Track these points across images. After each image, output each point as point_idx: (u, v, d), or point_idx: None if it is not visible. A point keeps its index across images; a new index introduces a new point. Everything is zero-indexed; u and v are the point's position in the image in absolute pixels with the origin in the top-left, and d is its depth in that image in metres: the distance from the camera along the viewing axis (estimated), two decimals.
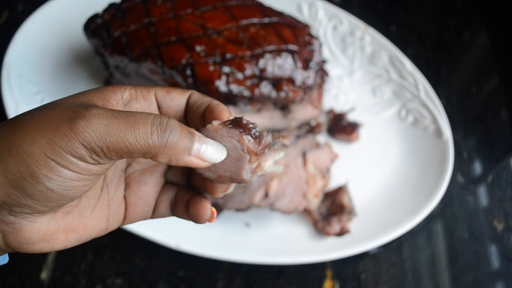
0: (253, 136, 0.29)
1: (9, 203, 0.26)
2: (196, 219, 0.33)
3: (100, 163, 0.27)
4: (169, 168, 0.36)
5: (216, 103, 0.33)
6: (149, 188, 0.35)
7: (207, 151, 0.29)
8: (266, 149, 0.29)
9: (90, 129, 0.26)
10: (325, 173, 0.67)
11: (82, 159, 0.26)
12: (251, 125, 0.30)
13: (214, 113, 0.32)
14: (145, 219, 0.36)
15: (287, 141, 0.66)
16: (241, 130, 0.29)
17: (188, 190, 0.35)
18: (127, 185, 0.35)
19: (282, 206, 0.62)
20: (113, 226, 0.34)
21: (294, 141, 0.67)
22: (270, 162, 0.30)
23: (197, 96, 0.34)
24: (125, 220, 0.35)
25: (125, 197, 0.35)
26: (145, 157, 0.28)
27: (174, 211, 0.35)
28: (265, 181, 0.62)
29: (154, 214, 0.35)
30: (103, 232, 0.34)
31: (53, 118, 0.26)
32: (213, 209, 0.33)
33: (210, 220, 0.32)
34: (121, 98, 0.31)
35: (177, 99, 0.34)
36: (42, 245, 0.29)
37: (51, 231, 0.29)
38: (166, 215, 0.36)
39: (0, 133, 0.26)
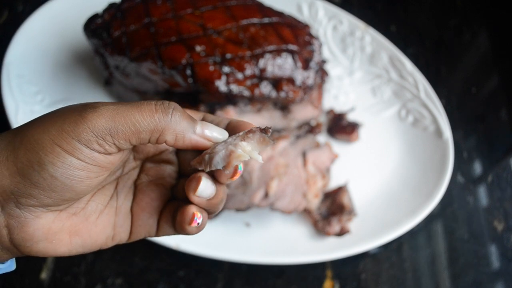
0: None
1: (16, 193, 0.27)
2: (179, 226, 0.32)
3: (107, 152, 0.28)
4: (176, 183, 0.35)
5: (238, 119, 0.34)
6: (152, 200, 0.35)
7: (211, 132, 0.31)
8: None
9: (98, 114, 0.27)
10: (325, 173, 0.67)
11: (88, 145, 0.27)
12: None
13: (242, 128, 0.32)
14: (150, 235, 0.35)
15: (287, 141, 0.66)
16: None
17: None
18: (133, 196, 0.35)
19: (282, 206, 0.62)
20: (120, 237, 0.34)
21: (294, 141, 0.67)
22: (249, 148, 0.30)
23: (212, 117, 0.34)
24: (131, 235, 0.34)
25: (131, 208, 0.35)
26: (152, 137, 0.29)
27: (175, 227, 0.34)
28: (265, 181, 0.62)
29: (159, 230, 0.34)
30: (109, 242, 0.33)
31: (64, 112, 0.28)
32: (195, 212, 0.31)
33: (189, 223, 0.31)
34: None
35: None
36: (46, 245, 0.29)
37: (55, 230, 0.30)
38: (170, 233, 0.34)
39: (15, 129, 0.28)
